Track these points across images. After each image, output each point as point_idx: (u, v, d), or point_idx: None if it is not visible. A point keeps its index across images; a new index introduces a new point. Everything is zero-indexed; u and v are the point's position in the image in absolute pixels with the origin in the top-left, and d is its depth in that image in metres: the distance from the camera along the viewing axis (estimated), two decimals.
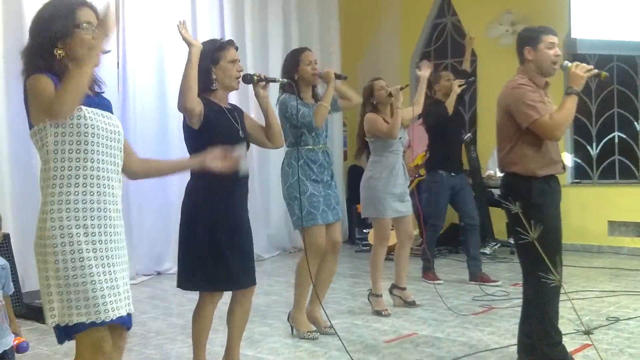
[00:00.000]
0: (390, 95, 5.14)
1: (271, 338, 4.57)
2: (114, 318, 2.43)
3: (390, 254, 6.01)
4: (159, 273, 7.13)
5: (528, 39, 3.65)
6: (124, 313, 2.48)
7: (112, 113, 2.59)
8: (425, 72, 5.52)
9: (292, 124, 4.45)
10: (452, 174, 6.22)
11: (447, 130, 6.21)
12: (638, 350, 4.01)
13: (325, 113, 4.47)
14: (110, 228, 2.48)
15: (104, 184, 2.46)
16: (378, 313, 5.10)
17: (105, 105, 2.56)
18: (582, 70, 3.57)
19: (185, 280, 3.49)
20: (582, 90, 3.61)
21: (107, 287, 2.41)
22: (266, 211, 8.22)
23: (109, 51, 2.58)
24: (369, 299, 5.26)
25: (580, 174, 8.21)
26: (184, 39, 3.36)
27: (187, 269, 3.46)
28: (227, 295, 3.63)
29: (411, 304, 5.33)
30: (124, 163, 2.59)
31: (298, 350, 4.28)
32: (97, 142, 2.44)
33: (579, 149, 8.22)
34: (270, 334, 4.68)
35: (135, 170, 2.72)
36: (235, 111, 3.62)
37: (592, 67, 3.61)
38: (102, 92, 2.61)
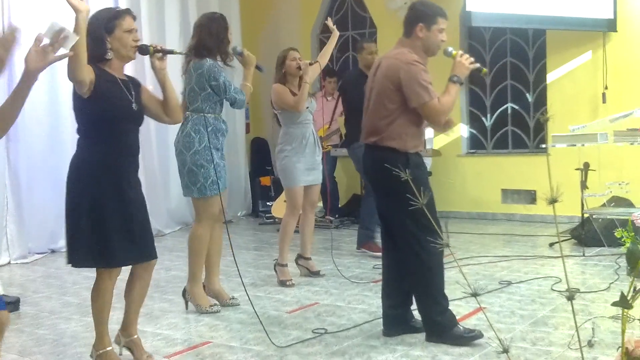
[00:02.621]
0: (299, 68, 5.12)
1: (171, 314, 4.49)
2: None
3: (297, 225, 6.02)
4: (53, 251, 6.84)
5: (424, 16, 3.63)
6: None
7: None
8: (335, 28, 5.56)
9: (214, 92, 4.37)
10: None
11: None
12: (528, 312, 4.19)
13: (249, 94, 4.55)
14: None
15: None
16: (282, 283, 5.11)
17: None
18: (467, 62, 3.64)
19: (73, 257, 3.35)
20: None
21: None
22: (166, 185, 8.04)
23: None
24: (275, 269, 5.25)
25: (475, 144, 8.47)
26: (69, 3, 3.16)
27: (75, 245, 3.33)
28: (125, 271, 3.52)
29: (316, 274, 5.37)
30: None
31: (199, 325, 4.23)
32: None
33: (474, 120, 8.47)
34: (170, 309, 4.60)
35: None
36: (131, 83, 3.47)
37: (473, 59, 3.69)
38: None
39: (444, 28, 3.65)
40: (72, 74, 3.16)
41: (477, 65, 3.69)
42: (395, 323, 3.83)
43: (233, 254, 4.34)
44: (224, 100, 4.47)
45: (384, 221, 3.89)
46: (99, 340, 3.43)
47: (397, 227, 3.70)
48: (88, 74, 3.21)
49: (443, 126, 3.81)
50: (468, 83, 8.16)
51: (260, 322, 3.93)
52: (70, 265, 3.38)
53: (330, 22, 5.66)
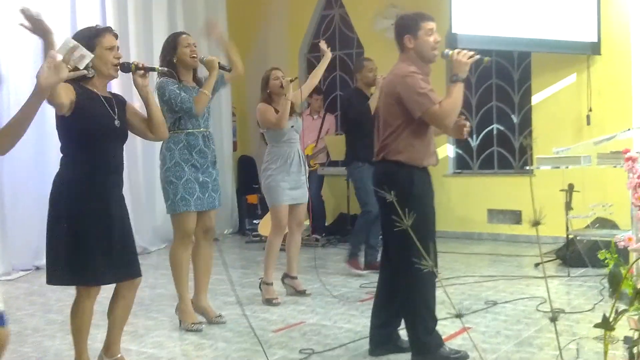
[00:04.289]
0: (282, 86, 5.14)
1: (156, 332, 4.47)
2: None
3: (282, 243, 6.01)
4: (37, 268, 6.78)
5: (407, 27, 3.65)
6: None
7: None
8: (328, 49, 5.58)
9: (170, 108, 4.37)
10: (372, 165, 6.15)
11: (366, 125, 5.97)
12: (514, 332, 4.21)
13: (206, 101, 4.41)
14: None
15: None
16: (268, 302, 5.10)
17: None
18: (464, 57, 3.59)
19: (52, 275, 3.32)
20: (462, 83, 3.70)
21: None
22: (151, 203, 8.01)
23: None
24: (260, 288, 5.24)
25: (461, 165, 8.53)
26: (35, 29, 2.92)
27: (54, 263, 3.31)
28: (109, 290, 3.50)
29: (302, 293, 5.36)
30: None
31: (184, 344, 4.21)
32: None
33: (460, 141, 8.51)
34: (154, 327, 4.57)
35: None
36: (115, 100, 3.48)
37: (473, 52, 3.64)
38: None
39: (431, 29, 3.63)
40: (52, 97, 3.10)
41: (477, 56, 3.63)
42: (382, 342, 3.83)
43: (228, 274, 4.32)
44: (182, 114, 4.41)
45: (383, 238, 3.91)
46: (78, 359, 3.41)
47: (392, 243, 3.71)
48: (66, 95, 3.20)
49: (457, 131, 3.77)
50: None
51: (259, 341, 3.92)
52: (49, 284, 3.35)
53: (323, 44, 5.66)
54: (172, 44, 4.48)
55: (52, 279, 3.34)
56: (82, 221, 3.27)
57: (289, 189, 5.19)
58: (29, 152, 6.69)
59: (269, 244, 5.25)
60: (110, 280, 3.40)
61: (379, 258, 6.26)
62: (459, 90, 3.59)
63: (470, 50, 3.63)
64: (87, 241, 3.26)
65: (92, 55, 2.71)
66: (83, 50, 2.51)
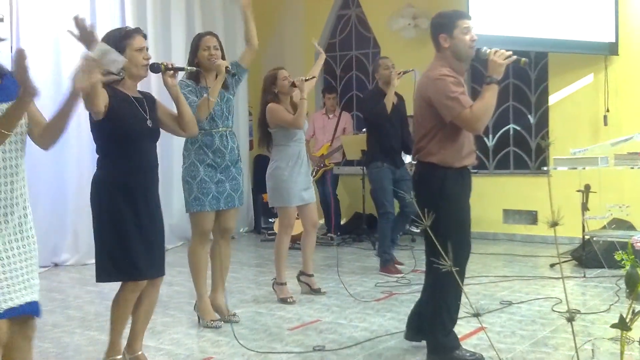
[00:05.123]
0: (293, 85, 5.15)
1: (173, 329, 4.52)
2: (1, 312, 2.43)
3: (297, 243, 6.04)
4: (55, 265, 6.88)
5: (442, 26, 3.57)
6: (18, 302, 2.48)
7: (10, 99, 2.50)
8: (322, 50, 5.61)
9: None
10: (392, 167, 6.14)
11: (384, 126, 6.11)
12: (529, 332, 4.21)
13: (209, 106, 4.35)
14: (3, 224, 2.48)
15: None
16: (283, 301, 5.13)
17: (7, 95, 2.49)
18: (501, 58, 3.47)
19: (100, 273, 3.46)
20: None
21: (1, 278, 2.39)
22: (168, 200, 8.04)
23: (4, 39, 2.52)
24: (273, 288, 5.28)
25: (478, 165, 8.48)
26: (82, 38, 2.99)
27: (100, 261, 3.45)
28: None
29: (317, 292, 5.39)
30: (35, 137, 2.60)
31: (201, 340, 4.25)
32: None
33: (476, 140, 8.43)
34: (172, 324, 4.62)
35: (42, 141, 2.67)
36: (145, 100, 3.55)
37: (510, 53, 3.52)
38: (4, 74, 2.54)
39: (467, 27, 3.54)
40: (90, 105, 3.21)
41: (515, 57, 3.51)
42: (416, 328, 3.85)
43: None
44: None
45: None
46: (111, 348, 3.53)
47: (427, 243, 3.69)
48: (103, 100, 3.28)
49: None
50: None
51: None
52: (98, 281, 3.48)
53: (315, 44, 5.67)
54: (195, 46, 4.53)
55: (100, 276, 3.46)
56: (123, 219, 3.37)
57: (300, 189, 5.19)
58: (48, 151, 6.78)
59: (278, 244, 5.27)
60: (151, 274, 3.49)
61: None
62: (492, 92, 3.49)
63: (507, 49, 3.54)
64: (128, 238, 3.37)
65: (125, 60, 2.78)
66: (116, 55, 2.57)
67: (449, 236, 2.69)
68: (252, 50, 4.76)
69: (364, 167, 6.42)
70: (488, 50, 3.53)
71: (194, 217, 4.51)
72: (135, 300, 3.56)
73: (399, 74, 6.06)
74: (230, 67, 4.44)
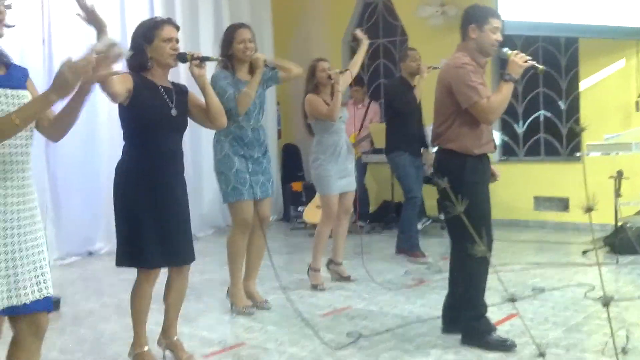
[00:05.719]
0: (329, 78, 5.17)
1: (207, 315, 4.58)
2: (3, 308, 2.38)
3: None
4: (90, 253, 7.00)
5: (475, 18, 3.70)
6: (24, 301, 2.42)
7: (23, 87, 2.49)
8: (364, 36, 5.55)
9: (220, 101, 4.44)
10: (413, 155, 6.22)
11: (410, 115, 6.15)
12: (561, 318, 4.20)
13: (249, 102, 4.41)
14: (6, 214, 2.41)
15: (10, 169, 2.42)
16: (314, 287, 5.17)
17: (11, 81, 2.46)
18: (521, 60, 3.65)
19: (119, 258, 3.48)
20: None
21: (3, 275, 2.38)
22: (198, 190, 8.14)
23: (12, 26, 2.50)
24: (308, 274, 5.32)
25: (507, 151, 8.46)
26: (89, 20, 3.08)
27: (120, 246, 3.47)
28: (164, 274, 3.61)
29: (347, 279, 5.41)
30: (43, 129, 2.56)
31: (234, 327, 4.31)
32: None
33: (506, 127, 8.46)
34: (205, 311, 4.69)
35: (51, 133, 2.62)
36: (175, 89, 3.59)
37: (530, 57, 3.70)
38: (10, 64, 2.50)
39: (497, 27, 3.68)
40: (105, 90, 3.24)
41: (532, 62, 3.69)
42: (453, 321, 3.88)
43: (271, 260, 4.41)
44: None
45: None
46: (137, 340, 3.54)
47: (448, 230, 3.85)
48: (122, 84, 3.31)
49: None
50: None
51: (310, 325, 3.99)
52: (117, 266, 3.51)
53: (359, 32, 5.64)
54: (229, 38, 4.54)
55: (116, 261, 3.50)
56: (138, 206, 3.40)
57: (338, 178, 5.23)
58: (81, 142, 6.88)
59: (319, 232, 5.31)
60: (162, 264, 3.52)
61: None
62: (508, 89, 3.66)
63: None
64: (141, 226, 3.39)
65: (130, 53, 2.78)
66: (122, 47, 2.57)
67: (474, 222, 2.71)
68: (295, 76, 4.87)
69: (387, 156, 6.44)
70: (509, 52, 3.71)
71: (233, 207, 4.54)
72: (165, 289, 3.62)
73: (430, 67, 6.06)
74: (267, 60, 4.48)
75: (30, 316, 2.48)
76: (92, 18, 3.06)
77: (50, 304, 2.54)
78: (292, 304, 4.25)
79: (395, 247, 6.40)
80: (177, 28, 3.58)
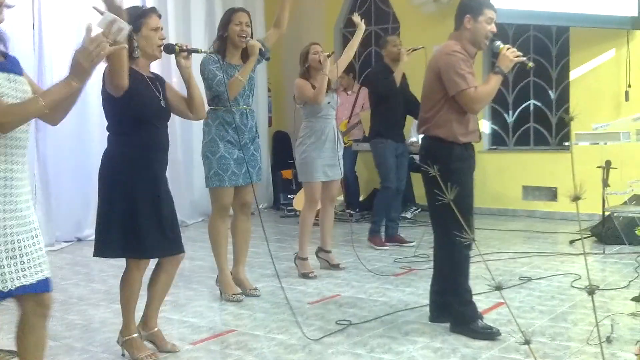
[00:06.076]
0: (320, 61, 5.17)
1: (196, 302, 4.60)
2: (13, 288, 2.41)
3: (315, 219, 6.09)
4: (79, 239, 7.00)
5: (471, 8, 3.73)
6: (31, 281, 2.46)
7: (21, 73, 2.51)
8: (360, 21, 5.55)
9: (209, 86, 4.45)
10: (395, 142, 6.27)
11: (392, 100, 6.19)
12: (548, 307, 4.24)
13: (240, 87, 4.43)
14: (12, 197, 2.43)
15: (10, 153, 2.43)
16: (304, 275, 5.19)
17: (13, 67, 2.49)
18: (511, 54, 3.71)
19: (101, 248, 3.40)
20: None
21: (6, 257, 2.39)
22: (189, 177, 8.16)
23: (13, 6, 2.50)
24: (295, 262, 5.34)
25: (497, 141, 8.50)
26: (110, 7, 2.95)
27: (104, 236, 3.39)
28: (152, 263, 3.61)
29: (336, 267, 5.44)
30: (43, 114, 2.52)
31: (224, 313, 4.33)
32: None
33: (496, 116, 8.49)
34: (195, 298, 4.70)
35: (51, 117, 2.61)
36: (157, 80, 3.56)
37: (521, 53, 3.75)
38: (7, 52, 2.52)
39: (492, 18, 3.73)
40: (115, 81, 3.19)
41: (523, 58, 3.75)
42: (441, 309, 3.92)
43: (268, 247, 4.41)
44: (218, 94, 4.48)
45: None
46: (125, 327, 3.53)
47: (431, 217, 3.88)
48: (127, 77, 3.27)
49: None
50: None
51: (293, 312, 4.02)
52: (96, 256, 3.43)
53: (356, 17, 5.64)
54: (226, 19, 4.55)
55: (101, 252, 3.41)
56: (133, 197, 3.36)
57: (323, 165, 5.24)
58: (72, 127, 6.85)
59: (302, 219, 5.33)
60: (159, 254, 3.51)
61: (399, 232, 6.42)
62: (497, 81, 3.72)
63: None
64: (139, 216, 3.36)
65: (130, 27, 2.73)
66: (122, 23, 2.54)
67: (459, 209, 2.75)
68: (279, 33, 4.84)
69: (369, 143, 6.47)
70: (502, 45, 3.77)
71: (213, 192, 4.57)
72: (152, 278, 3.61)
73: (409, 50, 6.09)
74: (263, 49, 4.47)
75: (36, 296, 2.53)
76: (112, 5, 2.94)
77: (51, 285, 2.58)
78: (284, 291, 4.26)
79: (385, 235, 6.43)
80: (160, 17, 3.55)
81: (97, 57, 2.39)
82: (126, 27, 2.58)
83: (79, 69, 2.38)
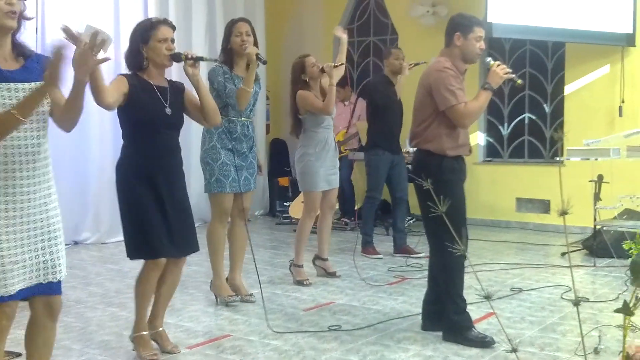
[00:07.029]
0: (322, 71, 5.23)
1: (192, 307, 4.66)
2: (13, 293, 2.49)
3: (313, 226, 6.15)
4: (76, 243, 7.05)
5: (461, 26, 3.83)
6: (28, 284, 2.55)
7: (37, 79, 2.57)
8: (343, 34, 5.58)
9: (218, 96, 4.53)
10: (392, 153, 6.34)
11: (391, 111, 6.27)
12: (538, 318, 4.32)
13: (248, 97, 4.52)
14: (19, 203, 2.53)
15: (12, 161, 2.52)
16: (299, 283, 5.25)
17: (27, 75, 2.57)
18: (501, 71, 3.80)
19: (127, 250, 3.62)
20: None
21: (8, 262, 2.47)
22: (186, 183, 8.19)
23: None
24: (290, 270, 5.41)
25: (492, 153, 8.58)
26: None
27: (126, 240, 3.62)
28: None
29: (332, 275, 5.51)
30: (56, 119, 2.66)
31: (219, 318, 4.39)
32: None
33: (491, 129, 8.58)
34: (191, 302, 4.77)
35: (62, 123, 2.72)
36: (171, 88, 3.69)
37: (511, 70, 3.86)
38: (30, 57, 2.61)
39: (481, 36, 3.83)
40: (97, 101, 3.31)
41: (512, 75, 3.85)
42: (432, 318, 4.00)
43: (252, 253, 4.49)
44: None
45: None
46: (138, 324, 3.68)
47: (425, 227, 3.97)
48: (114, 95, 3.39)
49: None
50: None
51: (264, 305, 4.07)
52: (128, 257, 3.65)
53: (338, 31, 5.62)
54: (227, 32, 4.65)
55: (128, 254, 3.64)
56: (141, 202, 3.53)
57: (325, 174, 5.31)
58: (68, 133, 6.91)
59: (300, 227, 5.39)
60: (170, 254, 3.63)
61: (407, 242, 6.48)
62: (486, 97, 3.83)
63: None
64: (144, 221, 3.53)
65: (112, 39, 2.82)
66: (104, 35, 2.61)
67: (451, 221, 2.83)
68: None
69: (365, 153, 6.55)
70: (492, 62, 3.87)
71: (214, 198, 4.64)
72: (158, 279, 3.70)
73: (411, 65, 6.18)
74: (260, 54, 4.53)
75: (46, 298, 2.65)
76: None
77: (60, 288, 2.70)
78: (259, 285, 4.32)
79: (394, 246, 6.49)
80: (173, 28, 3.69)
81: (82, 65, 2.50)
82: (109, 39, 2.66)
83: (54, 75, 2.43)
